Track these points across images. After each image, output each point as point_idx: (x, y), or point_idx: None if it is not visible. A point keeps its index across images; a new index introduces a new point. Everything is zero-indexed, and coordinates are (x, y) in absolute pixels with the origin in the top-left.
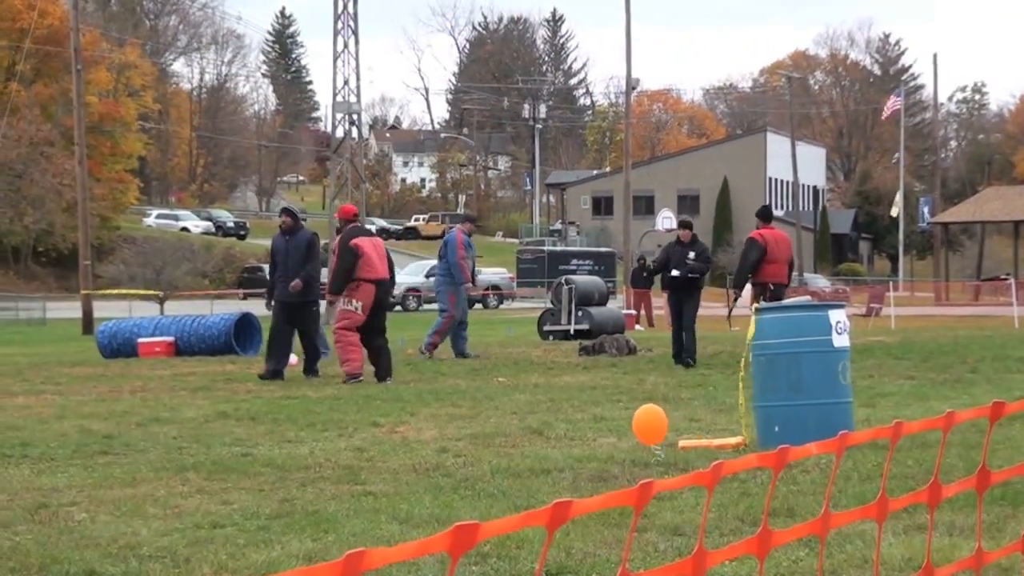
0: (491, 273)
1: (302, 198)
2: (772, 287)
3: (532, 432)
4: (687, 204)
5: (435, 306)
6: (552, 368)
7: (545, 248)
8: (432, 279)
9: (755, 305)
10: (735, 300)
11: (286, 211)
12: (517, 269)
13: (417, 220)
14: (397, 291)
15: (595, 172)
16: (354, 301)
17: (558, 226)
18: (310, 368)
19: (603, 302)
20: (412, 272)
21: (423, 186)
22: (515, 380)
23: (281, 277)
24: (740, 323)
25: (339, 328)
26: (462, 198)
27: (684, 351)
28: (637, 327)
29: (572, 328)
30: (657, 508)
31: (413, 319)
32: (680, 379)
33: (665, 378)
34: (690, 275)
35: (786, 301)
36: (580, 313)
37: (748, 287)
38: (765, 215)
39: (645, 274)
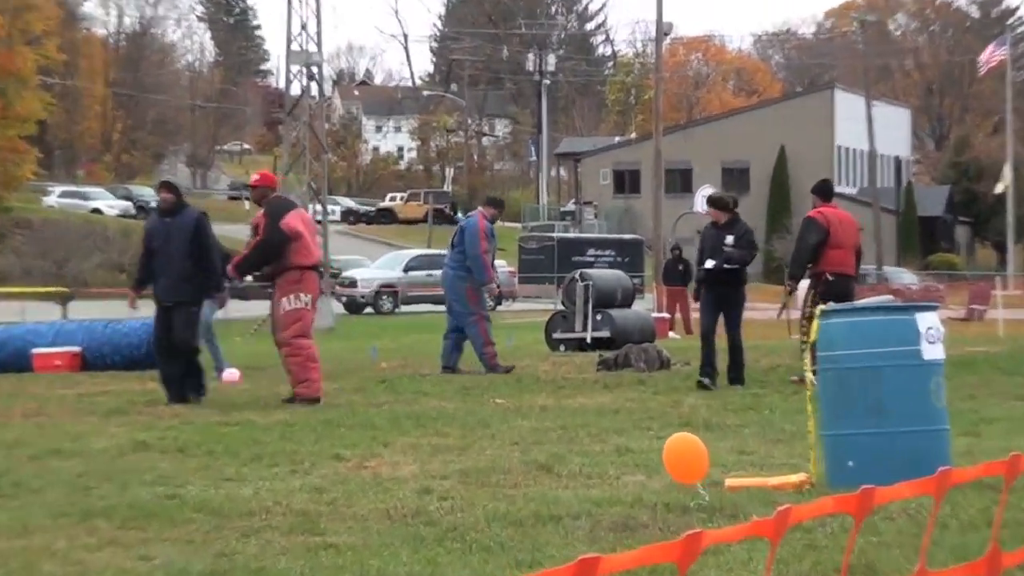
0: None
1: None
2: (831, 277)
3: (538, 468)
4: (734, 179)
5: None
6: (563, 386)
7: (555, 235)
8: (413, 273)
9: (817, 307)
10: (789, 295)
11: (165, 185)
12: (519, 262)
13: (393, 199)
14: (367, 288)
15: (617, 139)
16: (302, 295)
17: (571, 207)
18: (189, 389)
19: (628, 303)
20: (387, 264)
21: (401, 157)
22: (517, 401)
23: (162, 269)
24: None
25: (291, 337)
26: (450, 172)
27: (731, 368)
28: (671, 335)
29: (589, 336)
30: (699, 566)
31: (389, 324)
32: (726, 400)
33: (707, 399)
34: (727, 265)
35: (863, 301)
36: (599, 317)
37: (804, 282)
38: (824, 191)
39: (680, 267)
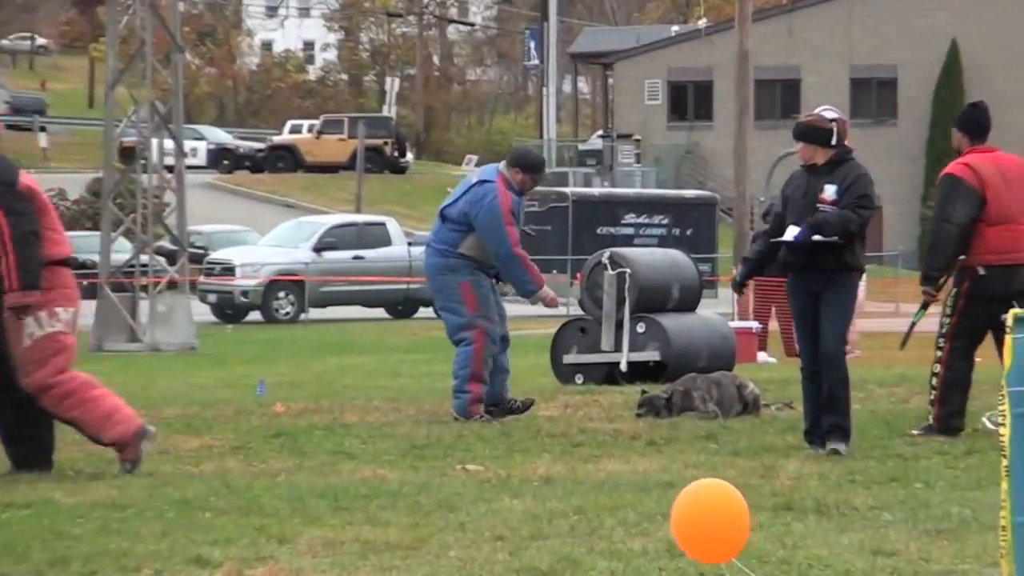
0: None
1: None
2: (982, 271)
3: None
4: (870, 97)
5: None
6: (581, 443)
7: (568, 190)
8: (330, 256)
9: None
10: (920, 310)
11: None
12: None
13: (297, 131)
14: (252, 280)
15: (675, 30)
16: (59, 311)
17: (595, 142)
18: None
19: (691, 305)
20: (286, 240)
21: (310, 60)
22: (503, 469)
23: None
24: (984, 348)
25: (53, 379)
26: (393, 85)
27: (825, 409)
28: (763, 357)
29: (624, 360)
30: None
31: (289, 339)
32: (851, 468)
33: (821, 465)
34: (819, 238)
35: None
36: (641, 328)
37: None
38: (973, 123)
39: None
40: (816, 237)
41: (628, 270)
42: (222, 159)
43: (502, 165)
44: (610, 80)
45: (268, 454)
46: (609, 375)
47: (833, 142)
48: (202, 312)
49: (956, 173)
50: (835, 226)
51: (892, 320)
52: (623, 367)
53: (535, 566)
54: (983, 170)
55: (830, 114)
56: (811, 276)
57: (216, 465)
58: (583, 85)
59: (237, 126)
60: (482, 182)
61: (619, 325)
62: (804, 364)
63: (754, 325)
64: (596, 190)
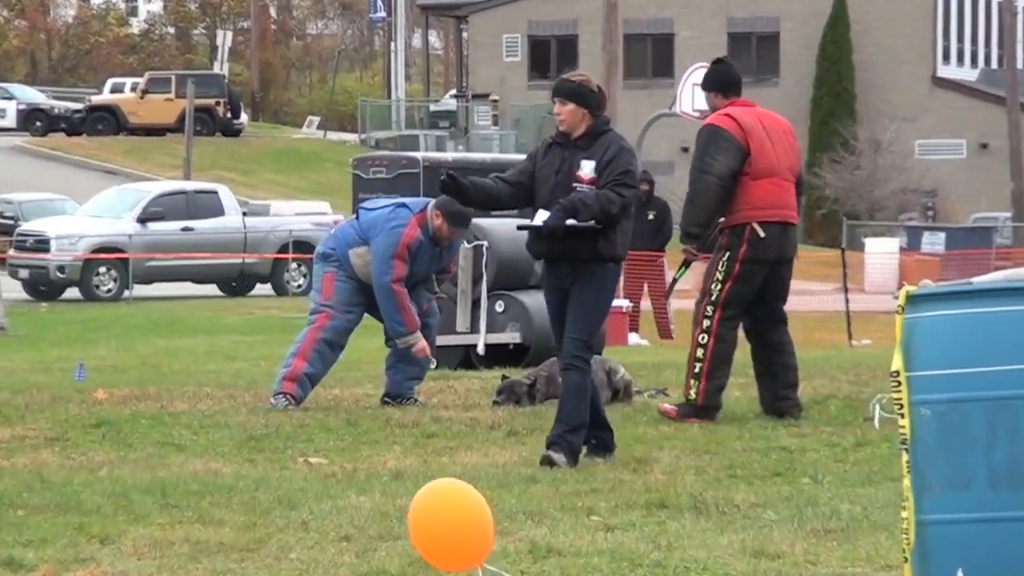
0: (294, 216)
1: None
2: (761, 232)
3: None
4: (749, 53)
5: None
6: (434, 434)
7: (419, 155)
8: (156, 227)
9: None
10: (682, 268)
11: None
12: (354, 206)
13: (119, 91)
14: (68, 254)
15: None
16: None
17: (449, 103)
18: None
19: None
20: (106, 210)
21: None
22: (348, 461)
23: None
24: (876, 329)
25: None
26: (225, 39)
27: (558, 419)
28: (634, 339)
29: (482, 342)
30: None
31: (111, 319)
32: (732, 461)
33: (698, 458)
34: (573, 223)
35: (989, 279)
36: (501, 307)
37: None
38: (723, 80)
39: (651, 216)
40: (570, 222)
41: (485, 242)
42: (34, 120)
43: (431, 204)
44: (464, 34)
45: (88, 445)
46: (465, 359)
47: (593, 102)
48: (13, 289)
49: (717, 123)
50: (592, 209)
51: None
52: (480, 350)
53: (384, 569)
54: (745, 121)
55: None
56: (564, 268)
57: (30, 458)
58: (435, 40)
59: (51, 84)
60: (403, 205)
61: (475, 304)
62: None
63: (625, 304)
64: (450, 155)
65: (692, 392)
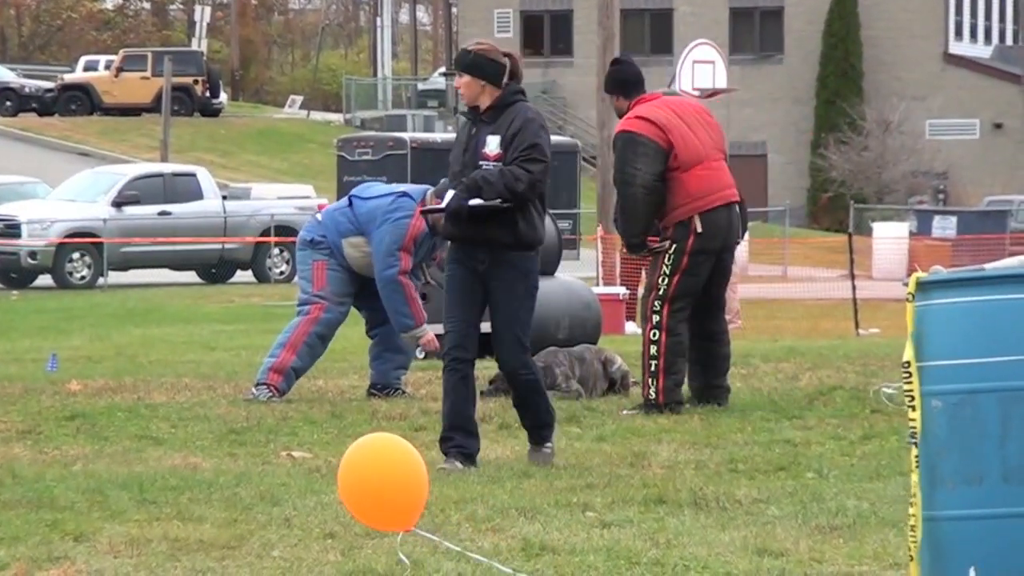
0: (276, 199)
1: None
2: (699, 226)
3: None
4: (752, 30)
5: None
6: (422, 427)
7: (407, 135)
8: (131, 211)
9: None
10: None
11: None
12: (340, 186)
13: (92, 68)
14: (40, 239)
15: None
16: None
17: (437, 81)
18: None
19: (549, 267)
20: (80, 193)
21: None
22: (333, 455)
23: None
24: (884, 317)
25: None
26: (203, 14)
27: (526, 419)
28: (632, 327)
29: None
30: None
31: (85, 307)
32: (733, 454)
33: (698, 452)
34: (478, 202)
35: (1000, 265)
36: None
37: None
38: (623, 81)
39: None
40: (475, 202)
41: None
42: (4, 100)
43: (430, 191)
44: (454, 9)
45: (62, 439)
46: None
47: (505, 81)
48: None
49: (629, 129)
50: (496, 187)
51: (779, 286)
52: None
53: (371, 567)
54: (659, 118)
55: (705, 51)
56: (478, 253)
57: (0, 452)
58: (423, 15)
59: (21, 62)
60: (405, 195)
61: None
62: (449, 351)
63: (622, 291)
64: (438, 135)
65: (651, 391)
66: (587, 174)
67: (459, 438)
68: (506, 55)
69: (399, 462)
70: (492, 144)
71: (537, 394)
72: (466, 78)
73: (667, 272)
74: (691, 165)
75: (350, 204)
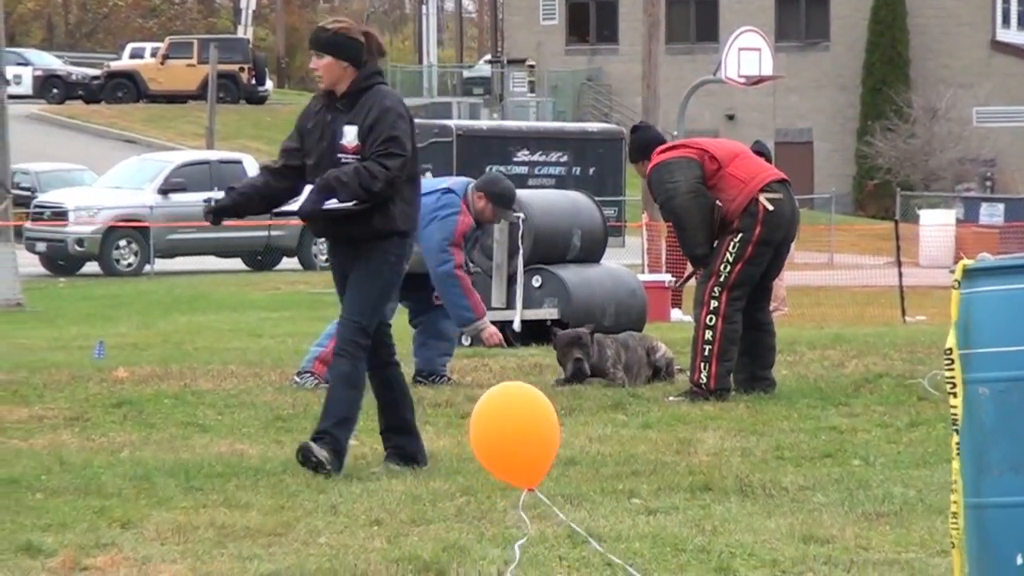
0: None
1: None
2: (769, 204)
3: (424, 573)
4: (796, 18)
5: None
6: (468, 414)
7: (452, 123)
8: (178, 198)
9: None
10: (686, 278)
11: None
12: None
13: (138, 56)
14: (87, 226)
15: None
16: None
17: (483, 68)
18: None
19: (594, 254)
20: (126, 180)
21: None
22: (379, 442)
23: None
24: (931, 305)
25: None
26: (248, 2)
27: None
28: (677, 314)
29: (518, 319)
30: None
31: (131, 295)
32: (779, 442)
33: (743, 439)
34: (333, 204)
35: None
36: (538, 282)
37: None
38: (645, 146)
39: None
40: (330, 203)
41: (521, 215)
42: (51, 87)
43: (471, 185)
44: None
45: (109, 426)
46: (501, 336)
47: (364, 60)
48: (30, 263)
49: (658, 162)
50: (351, 188)
51: (825, 273)
52: (516, 326)
53: (417, 555)
54: (678, 144)
55: (750, 38)
56: (344, 247)
57: (48, 439)
58: (468, 2)
59: (68, 49)
60: (449, 190)
61: (511, 279)
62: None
63: (667, 278)
64: (484, 123)
65: (703, 375)
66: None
67: (396, 439)
68: (364, 32)
69: (537, 419)
70: (349, 135)
71: (346, 386)
72: (327, 59)
73: (730, 260)
74: (729, 159)
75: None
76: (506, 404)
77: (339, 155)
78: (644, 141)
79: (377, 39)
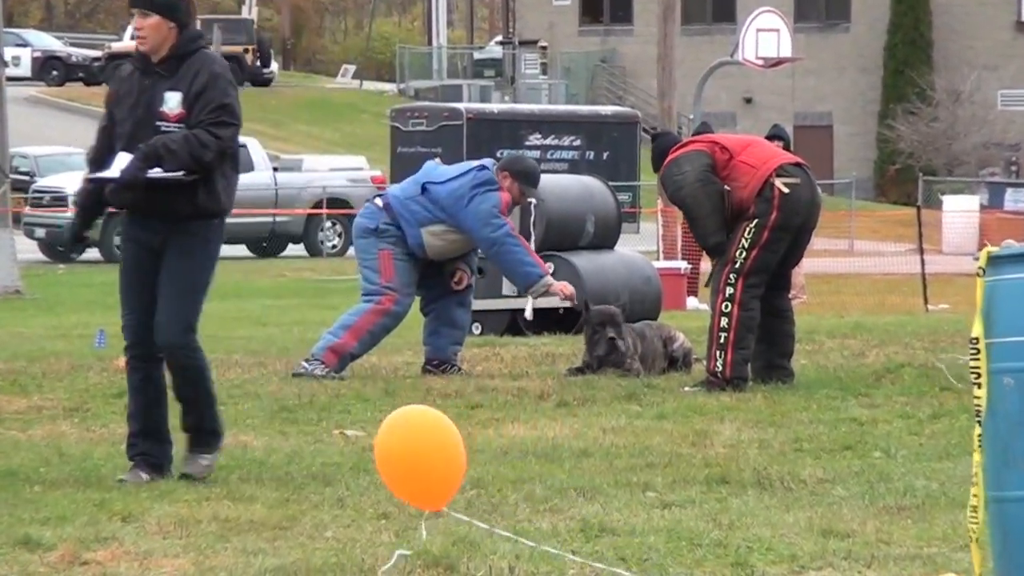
0: (328, 171)
1: None
2: (784, 188)
3: (429, 567)
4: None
5: None
6: (479, 404)
7: (462, 106)
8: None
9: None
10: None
11: None
12: (394, 159)
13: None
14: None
15: None
16: None
17: (494, 50)
18: None
19: (609, 240)
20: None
21: None
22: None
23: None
24: (954, 293)
25: None
26: None
27: (183, 416)
28: (693, 303)
29: (530, 307)
30: None
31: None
32: (797, 433)
33: (760, 430)
34: (158, 174)
35: None
36: (551, 269)
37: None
38: (666, 149)
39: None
40: (155, 172)
41: (534, 200)
42: (50, 69)
43: (496, 166)
44: None
45: (109, 417)
46: (512, 324)
47: (186, 22)
48: (28, 249)
49: (669, 160)
50: (180, 156)
51: (845, 260)
52: (528, 315)
53: (426, 549)
54: (692, 139)
55: (768, 18)
56: (156, 223)
57: (47, 430)
58: None
59: (68, 30)
60: (484, 167)
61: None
62: (129, 347)
63: (683, 266)
64: (495, 106)
65: (718, 364)
66: (647, 145)
67: (145, 445)
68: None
69: (438, 439)
70: (172, 102)
71: (200, 385)
72: (153, 18)
73: (745, 246)
74: (741, 148)
75: (423, 191)
76: (407, 431)
77: (159, 123)
78: (663, 147)
79: (192, 2)
